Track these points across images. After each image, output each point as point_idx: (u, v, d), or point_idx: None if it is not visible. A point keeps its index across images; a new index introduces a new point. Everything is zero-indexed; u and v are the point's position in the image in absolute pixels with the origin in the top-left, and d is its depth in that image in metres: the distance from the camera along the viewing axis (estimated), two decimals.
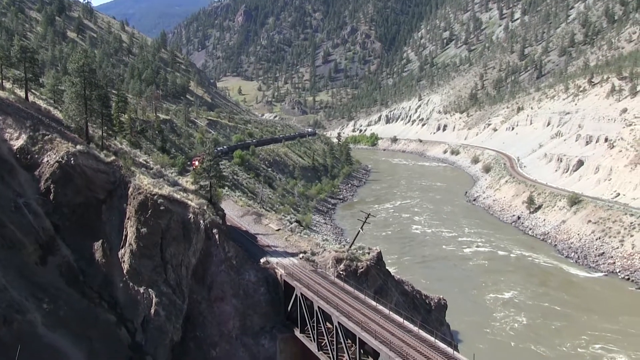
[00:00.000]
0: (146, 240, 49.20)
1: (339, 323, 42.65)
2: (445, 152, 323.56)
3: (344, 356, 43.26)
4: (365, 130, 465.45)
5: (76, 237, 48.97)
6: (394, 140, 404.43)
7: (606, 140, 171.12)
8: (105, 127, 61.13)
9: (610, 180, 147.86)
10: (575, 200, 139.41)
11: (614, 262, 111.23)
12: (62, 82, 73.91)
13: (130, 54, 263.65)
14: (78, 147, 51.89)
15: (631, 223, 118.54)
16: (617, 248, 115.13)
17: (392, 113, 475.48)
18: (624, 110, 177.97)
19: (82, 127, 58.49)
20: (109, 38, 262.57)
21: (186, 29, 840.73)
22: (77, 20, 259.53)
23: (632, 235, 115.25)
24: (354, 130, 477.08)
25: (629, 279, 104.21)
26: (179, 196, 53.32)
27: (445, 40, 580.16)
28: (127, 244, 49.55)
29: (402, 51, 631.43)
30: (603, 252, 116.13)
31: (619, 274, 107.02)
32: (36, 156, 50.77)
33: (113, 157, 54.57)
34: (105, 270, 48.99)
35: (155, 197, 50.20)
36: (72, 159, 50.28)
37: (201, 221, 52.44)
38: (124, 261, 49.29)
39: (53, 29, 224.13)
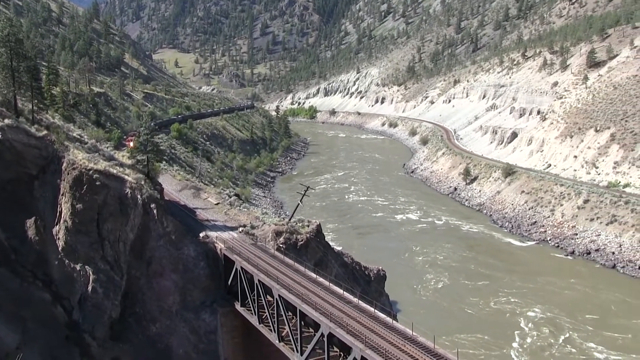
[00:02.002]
0: (82, 217, 47.91)
1: (279, 296, 42.59)
2: (383, 124, 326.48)
3: (284, 328, 43.28)
4: (303, 103, 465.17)
5: (7, 215, 47.22)
6: (333, 113, 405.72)
7: (539, 112, 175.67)
8: (36, 101, 58.77)
9: (542, 151, 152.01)
10: (509, 172, 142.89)
11: (545, 231, 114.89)
12: None
13: (60, 24, 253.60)
14: (6, 121, 49.69)
15: (561, 193, 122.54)
16: (548, 217, 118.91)
17: (330, 86, 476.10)
18: (555, 84, 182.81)
19: (10, 100, 56.12)
20: (36, 7, 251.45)
21: None
22: None
23: (562, 205, 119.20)
24: (292, 103, 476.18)
25: (558, 246, 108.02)
26: (115, 171, 51.93)
27: (383, 13, 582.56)
28: (61, 221, 48.15)
29: (340, 24, 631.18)
30: (535, 222, 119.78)
31: (549, 242, 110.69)
32: None
33: (45, 132, 52.55)
34: (39, 247, 47.56)
35: (91, 172, 48.78)
36: (0, 133, 48.20)
37: (139, 196, 51.29)
38: (58, 238, 47.91)
39: None
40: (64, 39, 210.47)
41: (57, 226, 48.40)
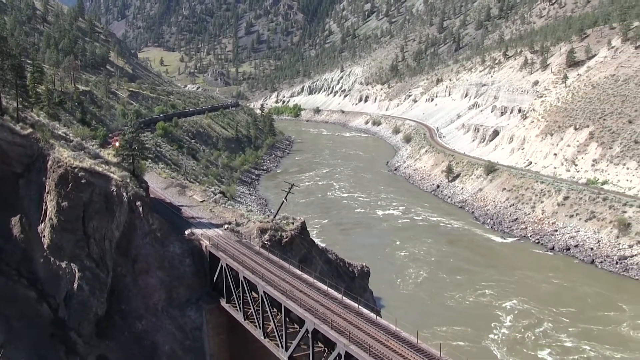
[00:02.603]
0: (67, 214, 47.66)
1: (264, 292, 42.65)
2: (367, 122, 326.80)
3: (270, 325, 43.35)
4: (288, 102, 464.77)
5: None
6: (317, 111, 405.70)
7: (520, 111, 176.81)
8: (21, 99, 58.25)
9: (523, 149, 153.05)
10: (491, 169, 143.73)
11: (526, 227, 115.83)
12: None
13: (45, 22, 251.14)
14: None
15: (541, 190, 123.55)
16: (529, 214, 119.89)
17: (314, 84, 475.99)
18: (536, 83, 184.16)
19: None
20: (20, 4, 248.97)
21: None
22: None
23: (542, 202, 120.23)
24: (277, 102, 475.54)
25: (538, 242, 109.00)
26: (100, 169, 51.69)
27: (366, 12, 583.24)
28: (47, 219, 47.86)
29: (324, 23, 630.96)
30: (516, 218, 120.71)
31: (530, 238, 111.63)
32: None
33: (30, 130, 52.14)
34: (24, 245, 47.26)
35: (76, 170, 48.53)
36: None
37: (124, 194, 51.09)
38: (44, 236, 47.62)
39: None
40: (48, 37, 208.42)
41: (43, 224, 48.11)
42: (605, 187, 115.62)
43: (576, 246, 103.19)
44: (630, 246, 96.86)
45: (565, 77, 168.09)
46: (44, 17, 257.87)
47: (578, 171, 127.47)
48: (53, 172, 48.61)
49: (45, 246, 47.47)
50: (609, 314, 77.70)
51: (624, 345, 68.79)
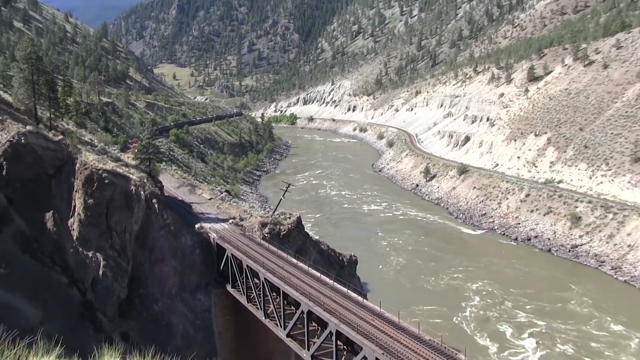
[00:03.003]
0: (93, 210, 47.85)
1: (265, 279, 42.99)
2: (355, 129, 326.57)
3: (269, 307, 43.70)
4: (285, 111, 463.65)
5: (29, 209, 46.98)
6: (311, 119, 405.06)
7: (488, 119, 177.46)
8: (53, 110, 58.49)
9: (491, 153, 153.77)
10: (463, 170, 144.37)
11: (493, 221, 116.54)
12: (10, 68, 70.04)
13: (74, 43, 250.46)
14: (28, 127, 49.37)
15: (507, 188, 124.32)
16: (496, 209, 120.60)
17: (308, 96, 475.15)
18: (502, 95, 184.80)
19: (31, 109, 55.83)
20: (54, 28, 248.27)
21: (125, 20, 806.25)
22: (23, 11, 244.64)
23: (507, 199, 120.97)
24: (275, 111, 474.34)
25: (504, 234, 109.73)
26: (121, 170, 51.87)
27: (354, 33, 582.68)
28: (75, 214, 48.00)
29: (317, 42, 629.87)
30: (485, 213, 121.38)
31: (497, 230, 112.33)
32: None
33: (61, 137, 52.26)
34: (57, 237, 47.36)
35: (100, 171, 48.73)
36: (22, 138, 47.84)
37: (142, 192, 51.31)
38: (73, 229, 47.76)
39: (0, 19, 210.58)
40: (77, 55, 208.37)
41: (72, 219, 48.23)
42: (561, 185, 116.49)
43: (536, 237, 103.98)
44: (580, 236, 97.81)
45: (527, 90, 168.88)
46: (73, 38, 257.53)
47: (538, 172, 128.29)
48: (80, 173, 48.73)
49: (74, 238, 47.59)
50: (560, 293, 79.47)
51: (571, 319, 71.00)
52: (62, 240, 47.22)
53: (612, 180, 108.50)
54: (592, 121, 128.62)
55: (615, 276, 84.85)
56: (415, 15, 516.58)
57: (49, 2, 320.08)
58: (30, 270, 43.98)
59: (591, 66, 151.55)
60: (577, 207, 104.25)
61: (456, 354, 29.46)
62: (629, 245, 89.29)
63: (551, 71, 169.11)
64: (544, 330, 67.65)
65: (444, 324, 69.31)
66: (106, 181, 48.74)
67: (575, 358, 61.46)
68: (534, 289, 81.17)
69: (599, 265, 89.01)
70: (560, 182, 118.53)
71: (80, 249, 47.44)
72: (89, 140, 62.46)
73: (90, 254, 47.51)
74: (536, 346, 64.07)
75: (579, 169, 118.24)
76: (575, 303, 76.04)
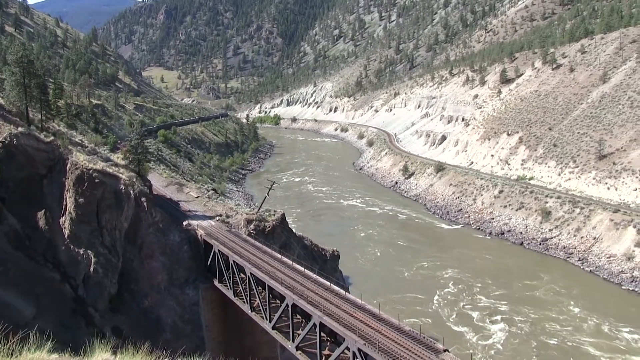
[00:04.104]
0: (83, 209, 47.42)
1: (251, 273, 42.90)
2: (336, 129, 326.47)
3: (255, 300, 43.63)
4: (269, 112, 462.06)
5: (21, 208, 46.45)
6: (294, 120, 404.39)
7: (463, 119, 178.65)
8: (44, 111, 57.83)
9: (466, 151, 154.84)
10: (440, 168, 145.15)
11: (469, 216, 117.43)
12: (2, 72, 69.07)
13: (65, 47, 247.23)
14: (20, 129, 48.76)
15: (481, 185, 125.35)
16: (471, 205, 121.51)
17: (292, 97, 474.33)
18: (476, 96, 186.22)
19: (22, 111, 55.18)
20: (45, 33, 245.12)
21: (114, 25, 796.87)
22: (14, 17, 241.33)
23: (482, 195, 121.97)
24: (260, 112, 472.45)
25: (479, 228, 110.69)
26: (111, 170, 51.36)
27: (335, 37, 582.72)
28: (67, 213, 47.54)
29: (299, 45, 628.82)
30: (461, 209, 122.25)
31: (472, 225, 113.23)
32: None
33: (52, 138, 51.65)
34: (49, 235, 46.86)
35: (91, 171, 48.25)
36: (14, 139, 47.22)
37: (131, 191, 50.88)
38: (64, 227, 47.28)
39: None
40: (67, 59, 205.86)
41: (63, 217, 47.76)
42: (532, 182, 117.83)
43: (509, 231, 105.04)
44: (550, 230, 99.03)
45: (499, 92, 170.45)
46: (64, 42, 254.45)
47: (510, 169, 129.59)
48: (71, 173, 48.26)
49: (66, 236, 47.14)
50: (529, 282, 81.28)
51: (537, 305, 73.16)
52: (54, 238, 46.76)
53: (579, 176, 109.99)
54: (561, 121, 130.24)
55: (582, 267, 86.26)
56: (393, 20, 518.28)
57: (40, 7, 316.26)
58: (23, 268, 43.50)
59: (559, 69, 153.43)
60: (547, 202, 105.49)
61: (435, 343, 29.67)
62: (594, 238, 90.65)
63: (522, 74, 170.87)
64: (511, 315, 69.75)
65: (420, 309, 71.53)
66: (96, 180, 48.30)
67: (537, 338, 63.62)
68: (504, 278, 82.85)
69: (567, 257, 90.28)
70: (531, 178, 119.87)
71: (72, 246, 47.00)
72: (80, 141, 61.79)
73: (81, 251, 47.10)
74: (503, 328, 66.30)
75: (548, 167, 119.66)
76: (542, 290, 78.20)
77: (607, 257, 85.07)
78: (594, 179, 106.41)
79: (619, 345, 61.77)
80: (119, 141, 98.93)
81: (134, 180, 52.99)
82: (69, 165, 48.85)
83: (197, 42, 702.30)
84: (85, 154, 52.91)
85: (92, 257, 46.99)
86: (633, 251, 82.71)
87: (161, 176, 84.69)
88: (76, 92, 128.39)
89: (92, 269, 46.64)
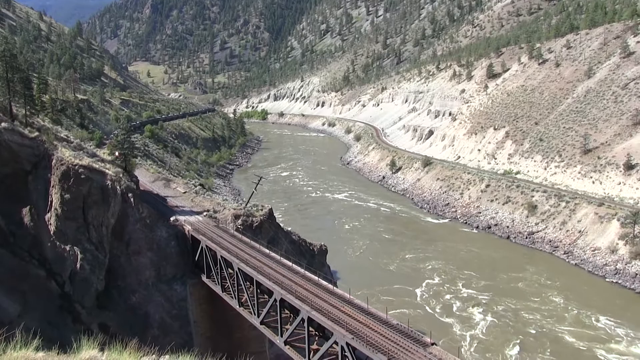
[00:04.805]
0: (69, 205, 46.98)
1: (238, 269, 42.82)
2: (323, 124, 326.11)
3: (244, 296, 43.54)
4: (257, 107, 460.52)
5: (6, 204, 45.85)
6: (281, 114, 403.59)
7: (450, 114, 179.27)
8: (28, 107, 57.05)
9: (453, 146, 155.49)
10: (427, 163, 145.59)
11: (456, 210, 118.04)
12: None
13: (49, 41, 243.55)
14: (3, 124, 48.03)
15: (468, 179, 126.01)
16: (458, 199, 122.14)
17: (279, 92, 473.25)
18: (463, 91, 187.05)
19: (6, 106, 54.28)
20: (28, 26, 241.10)
21: (100, 19, 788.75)
22: None
23: (469, 189, 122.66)
24: (247, 107, 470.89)
25: (466, 222, 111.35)
26: (97, 166, 50.94)
27: (322, 32, 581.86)
28: (52, 209, 47.08)
29: (287, 40, 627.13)
30: (448, 203, 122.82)
31: (459, 219, 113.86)
32: None
33: (37, 133, 51.02)
34: (34, 232, 46.38)
35: (76, 167, 47.79)
36: None
37: (118, 187, 50.53)
38: (50, 224, 46.83)
39: None
40: (52, 53, 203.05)
41: (49, 213, 47.30)
42: (518, 176, 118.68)
43: (496, 225, 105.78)
44: (536, 224, 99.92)
45: (486, 87, 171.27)
46: (47, 37, 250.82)
47: (497, 164, 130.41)
48: (57, 169, 47.78)
49: (51, 232, 46.71)
50: (515, 275, 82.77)
51: (521, 297, 74.64)
52: (39, 234, 46.29)
53: (565, 170, 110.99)
54: (547, 116, 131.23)
55: (567, 260, 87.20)
56: (380, 15, 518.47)
57: (22, 0, 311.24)
58: (8, 265, 43.01)
59: (545, 64, 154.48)
60: (533, 196, 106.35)
61: (422, 337, 29.84)
62: (579, 231, 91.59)
63: (508, 69, 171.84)
64: (496, 306, 71.12)
65: (407, 299, 72.96)
66: (82, 176, 47.87)
67: (520, 328, 65.11)
68: (490, 271, 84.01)
69: (553, 251, 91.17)
70: (517, 173, 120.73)
71: (58, 243, 46.59)
72: (65, 137, 61.04)
73: (67, 248, 46.71)
74: (487, 319, 67.75)
75: (534, 161, 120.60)
76: (526, 282, 79.72)
77: (592, 250, 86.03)
78: (579, 173, 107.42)
79: (601, 335, 63.08)
80: (105, 136, 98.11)
81: (121, 176, 52.64)
82: (54, 161, 48.35)
83: (184, 36, 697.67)
84: (70, 150, 52.38)
85: (79, 253, 46.64)
86: (617, 244, 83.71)
87: (148, 172, 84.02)
88: (61, 87, 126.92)
89: (78, 265, 46.29)
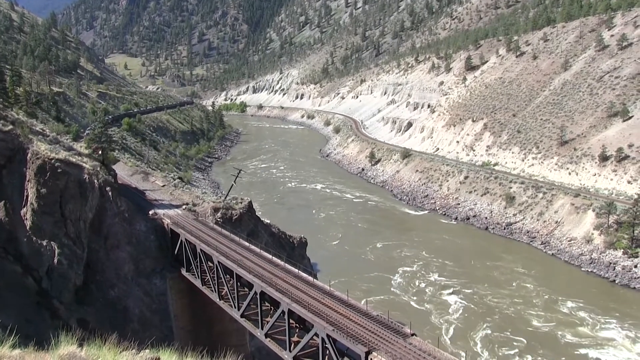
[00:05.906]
0: (46, 199, 46.22)
1: (218, 262, 42.68)
2: (302, 116, 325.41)
3: (224, 289, 43.45)
4: (235, 99, 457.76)
5: None
6: (260, 107, 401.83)
7: (429, 106, 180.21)
8: (1, 99, 55.99)
9: (432, 138, 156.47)
10: (406, 155, 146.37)
11: (435, 202, 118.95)
12: None
13: (22, 32, 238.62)
14: None
15: (447, 171, 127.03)
16: (437, 191, 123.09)
17: (258, 84, 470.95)
18: (441, 83, 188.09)
19: None
20: None
21: (75, 10, 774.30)
22: None
23: (447, 181, 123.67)
24: (225, 100, 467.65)
25: (445, 214, 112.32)
26: (74, 159, 50.15)
27: (301, 24, 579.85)
28: (28, 203, 46.26)
29: (265, 32, 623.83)
30: (427, 195, 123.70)
31: (438, 210, 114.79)
32: None
33: (11, 127, 50.00)
34: (9, 227, 45.52)
35: (53, 160, 47.01)
36: None
37: (95, 181, 49.85)
38: (26, 218, 46.03)
39: None
40: (25, 45, 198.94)
41: (25, 208, 46.49)
42: (497, 168, 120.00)
43: (474, 216, 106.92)
44: (514, 215, 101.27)
45: (465, 79, 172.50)
46: (20, 27, 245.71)
47: (475, 155, 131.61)
48: (32, 163, 46.96)
49: (27, 227, 45.94)
50: (491, 263, 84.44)
51: (495, 284, 76.70)
52: (15, 229, 45.48)
53: (542, 162, 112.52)
54: (524, 108, 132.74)
55: (544, 250, 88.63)
56: (359, 7, 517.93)
57: None
58: None
59: (522, 57, 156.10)
60: (511, 187, 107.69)
61: (402, 327, 30.10)
62: (556, 222, 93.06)
63: (487, 61, 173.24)
64: (472, 294, 72.98)
65: (383, 286, 74.95)
66: (59, 170, 47.12)
67: (494, 315, 66.85)
68: (467, 259, 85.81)
69: (531, 241, 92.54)
70: (496, 164, 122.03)
71: (34, 238, 45.85)
72: (41, 130, 59.97)
73: (44, 243, 46.00)
74: (463, 305, 69.35)
75: (512, 152, 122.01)
76: (501, 270, 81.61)
77: (568, 241, 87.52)
78: (556, 164, 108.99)
79: (570, 319, 65.30)
80: (82, 130, 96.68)
81: (98, 169, 51.93)
82: (29, 154, 47.49)
83: (161, 28, 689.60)
84: (46, 144, 51.47)
85: (56, 248, 45.96)
86: (592, 234, 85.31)
87: (126, 165, 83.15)
88: (36, 79, 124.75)
89: (56, 260, 45.63)
